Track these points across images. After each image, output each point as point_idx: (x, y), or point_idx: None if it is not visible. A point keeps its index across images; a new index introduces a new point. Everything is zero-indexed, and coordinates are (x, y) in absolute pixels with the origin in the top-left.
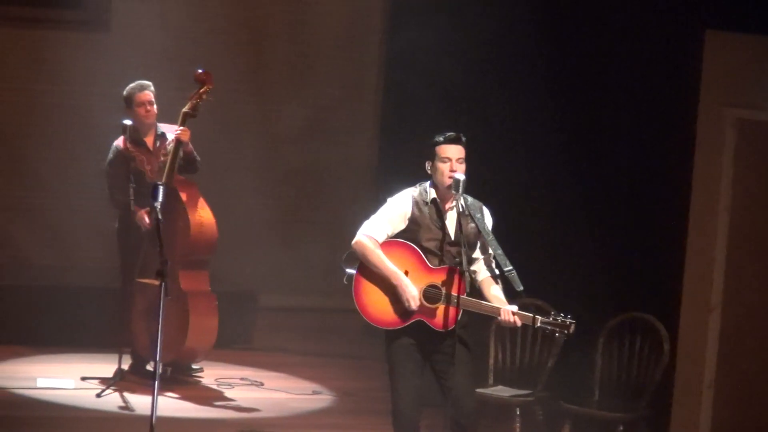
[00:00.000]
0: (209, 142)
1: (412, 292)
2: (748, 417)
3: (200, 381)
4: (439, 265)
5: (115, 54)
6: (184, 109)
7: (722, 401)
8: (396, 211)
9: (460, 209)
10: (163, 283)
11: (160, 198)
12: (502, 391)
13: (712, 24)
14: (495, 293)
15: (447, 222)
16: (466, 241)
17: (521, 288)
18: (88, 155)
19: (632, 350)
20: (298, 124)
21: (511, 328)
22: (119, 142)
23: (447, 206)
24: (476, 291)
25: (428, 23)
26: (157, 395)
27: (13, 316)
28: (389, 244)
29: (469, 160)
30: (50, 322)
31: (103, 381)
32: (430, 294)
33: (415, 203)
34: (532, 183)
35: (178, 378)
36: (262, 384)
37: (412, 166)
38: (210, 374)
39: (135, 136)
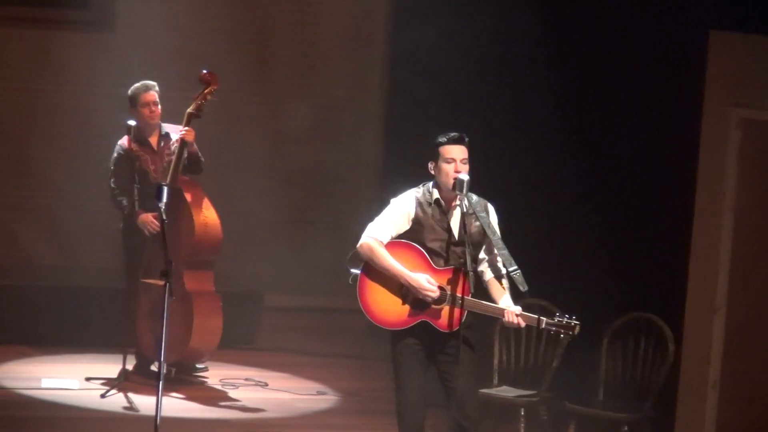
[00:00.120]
0: (214, 143)
1: (424, 284)
2: (752, 417)
3: (205, 381)
4: (445, 265)
5: (119, 54)
6: (189, 110)
7: (727, 401)
8: (399, 211)
9: (464, 209)
10: (167, 284)
11: (165, 199)
12: (506, 392)
13: (717, 24)
14: (501, 294)
15: (451, 222)
16: (471, 240)
17: (526, 288)
18: (92, 155)
19: (637, 351)
20: (303, 124)
21: (516, 329)
22: (124, 141)
23: (451, 206)
24: (482, 291)
25: (432, 23)
26: (162, 395)
27: (17, 316)
28: (394, 245)
29: (472, 159)
30: (55, 323)
31: (108, 381)
32: None
33: (419, 204)
34: (535, 183)
35: (183, 378)
36: (266, 384)
37: (417, 166)
38: (214, 374)
39: (139, 137)
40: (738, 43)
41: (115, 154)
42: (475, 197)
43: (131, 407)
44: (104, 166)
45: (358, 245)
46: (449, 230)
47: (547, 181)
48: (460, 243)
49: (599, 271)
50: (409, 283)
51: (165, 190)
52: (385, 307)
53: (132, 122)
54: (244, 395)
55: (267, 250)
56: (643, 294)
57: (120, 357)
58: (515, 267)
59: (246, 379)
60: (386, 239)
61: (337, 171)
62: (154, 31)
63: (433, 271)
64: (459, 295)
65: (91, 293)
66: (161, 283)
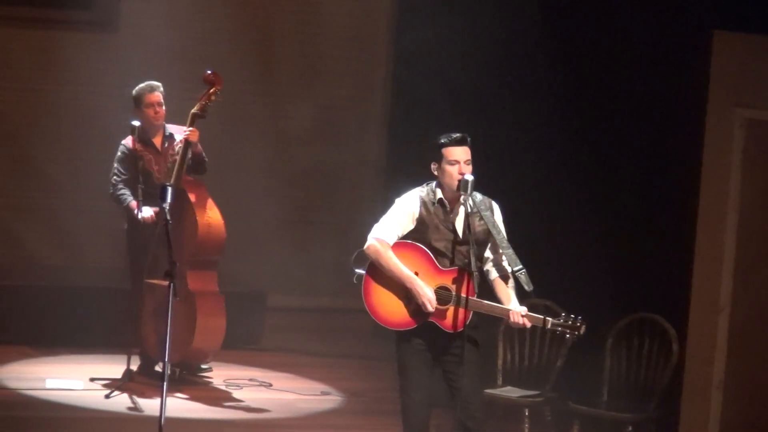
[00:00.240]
0: (218, 143)
1: (428, 294)
2: (756, 417)
3: (209, 382)
4: (450, 266)
5: (123, 55)
6: (193, 110)
7: (731, 401)
8: (404, 211)
9: (468, 209)
10: (171, 284)
11: (169, 199)
12: (510, 392)
13: (720, 24)
14: (506, 293)
15: (456, 222)
16: (476, 239)
17: (531, 288)
18: (94, 156)
19: (641, 351)
20: (306, 124)
21: (520, 329)
22: (128, 141)
23: (455, 206)
24: (488, 291)
25: (436, 23)
26: (166, 396)
27: (21, 316)
28: (399, 245)
29: (475, 159)
30: (59, 323)
31: (112, 382)
32: (440, 295)
33: (423, 203)
34: (538, 183)
35: (187, 379)
36: (270, 385)
37: (420, 166)
38: (218, 375)
39: (143, 137)
40: (741, 43)
41: (119, 153)
42: (479, 196)
43: (135, 408)
44: (106, 166)
45: (364, 246)
46: (454, 230)
47: (549, 181)
48: (465, 242)
49: (603, 271)
50: (413, 289)
51: (169, 190)
52: (391, 307)
53: (136, 123)
54: (248, 396)
55: (270, 250)
56: (647, 294)
57: (124, 357)
58: (520, 266)
59: (250, 380)
60: (392, 240)
61: (339, 171)
62: (158, 32)
63: (439, 272)
64: (464, 295)
65: (94, 293)
66: (165, 283)
